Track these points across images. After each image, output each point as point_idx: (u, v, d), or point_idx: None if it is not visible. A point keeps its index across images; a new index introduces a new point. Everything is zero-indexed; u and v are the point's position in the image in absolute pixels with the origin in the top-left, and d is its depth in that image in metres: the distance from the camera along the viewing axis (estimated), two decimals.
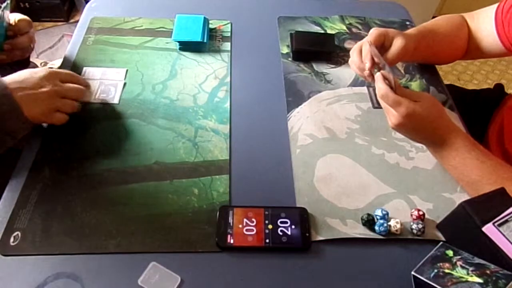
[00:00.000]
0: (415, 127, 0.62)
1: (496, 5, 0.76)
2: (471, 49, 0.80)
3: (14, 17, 0.70)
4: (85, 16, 0.93)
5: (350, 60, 0.76)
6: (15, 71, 0.62)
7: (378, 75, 0.63)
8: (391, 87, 0.61)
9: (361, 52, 0.72)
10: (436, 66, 0.87)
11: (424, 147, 0.69)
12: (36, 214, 0.59)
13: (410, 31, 0.76)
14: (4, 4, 0.67)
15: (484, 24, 0.77)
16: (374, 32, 0.71)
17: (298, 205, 0.62)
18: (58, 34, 2.06)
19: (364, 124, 0.74)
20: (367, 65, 0.69)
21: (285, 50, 0.88)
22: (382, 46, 0.71)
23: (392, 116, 0.61)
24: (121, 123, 0.72)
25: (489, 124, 0.84)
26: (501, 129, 0.79)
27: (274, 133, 0.72)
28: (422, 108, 0.60)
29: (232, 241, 0.57)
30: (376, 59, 0.67)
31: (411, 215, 0.61)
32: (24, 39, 0.71)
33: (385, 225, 0.58)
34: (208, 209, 0.61)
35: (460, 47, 0.81)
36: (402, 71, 0.85)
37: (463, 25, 0.80)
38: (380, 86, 0.62)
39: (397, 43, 0.71)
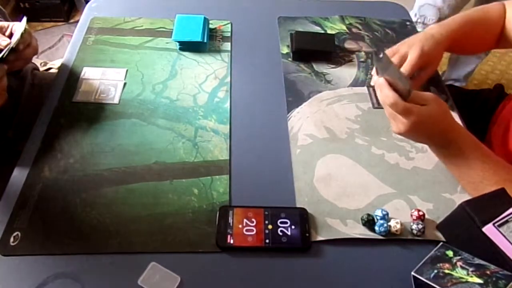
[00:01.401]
0: (423, 133, 0.60)
1: None
2: (505, 37, 0.78)
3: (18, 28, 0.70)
4: (85, 16, 0.93)
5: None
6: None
7: (381, 81, 0.59)
8: (399, 94, 0.57)
9: None
10: None
11: (425, 147, 0.68)
12: (36, 214, 0.59)
13: (442, 33, 0.74)
14: (25, 26, 0.67)
15: None
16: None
17: (298, 205, 0.62)
18: (58, 34, 2.06)
19: (364, 124, 0.74)
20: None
21: (285, 50, 0.88)
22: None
23: (400, 123, 0.58)
24: (121, 123, 0.72)
25: (490, 125, 0.84)
26: (506, 130, 0.78)
27: (274, 133, 0.72)
28: (431, 113, 0.58)
29: (232, 241, 0.57)
30: (379, 71, 0.63)
31: (411, 215, 0.60)
32: (29, 50, 0.70)
33: (385, 225, 0.58)
34: (208, 209, 0.61)
35: (494, 32, 0.78)
36: None
37: (500, 13, 0.78)
38: (388, 94, 0.57)
39: (412, 54, 0.70)
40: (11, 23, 0.70)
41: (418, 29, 0.96)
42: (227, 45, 0.88)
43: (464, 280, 0.48)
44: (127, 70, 0.81)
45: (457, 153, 0.61)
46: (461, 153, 0.60)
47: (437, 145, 0.63)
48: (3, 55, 0.63)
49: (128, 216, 0.60)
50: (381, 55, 0.61)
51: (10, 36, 0.69)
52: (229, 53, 0.86)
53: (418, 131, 0.59)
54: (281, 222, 0.59)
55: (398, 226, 0.58)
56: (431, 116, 0.58)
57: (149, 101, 0.76)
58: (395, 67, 0.58)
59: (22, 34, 0.66)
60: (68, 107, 0.74)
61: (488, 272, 0.48)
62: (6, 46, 0.65)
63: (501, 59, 2.07)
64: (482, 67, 2.11)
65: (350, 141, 0.71)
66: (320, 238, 0.58)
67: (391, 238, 0.59)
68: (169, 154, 0.68)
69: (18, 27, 0.68)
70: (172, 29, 0.86)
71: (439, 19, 1.36)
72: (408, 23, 0.96)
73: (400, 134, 0.60)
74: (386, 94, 0.58)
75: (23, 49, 0.69)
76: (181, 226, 0.59)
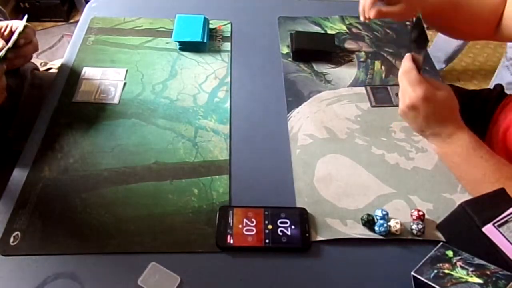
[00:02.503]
0: (427, 113, 0.60)
1: None
2: (504, 27, 0.74)
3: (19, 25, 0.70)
4: (85, 16, 0.93)
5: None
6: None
7: (407, 55, 0.63)
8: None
9: None
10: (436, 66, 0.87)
11: (425, 147, 0.68)
12: (36, 214, 0.59)
13: None
14: (26, 23, 0.67)
15: None
16: None
17: (298, 205, 0.62)
18: (58, 34, 2.06)
19: (364, 124, 0.74)
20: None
21: (285, 50, 0.88)
22: None
23: (408, 96, 0.59)
24: (121, 123, 0.72)
25: (491, 125, 0.84)
26: (506, 130, 0.77)
27: (274, 133, 0.72)
28: (441, 97, 0.58)
29: (232, 241, 0.57)
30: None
31: (411, 215, 0.60)
32: (30, 47, 0.70)
33: (385, 225, 0.58)
34: (208, 209, 0.61)
35: (490, 21, 0.75)
36: None
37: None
38: (407, 64, 0.61)
39: None
40: (10, 22, 0.69)
41: None
42: (227, 45, 0.88)
43: (464, 280, 0.48)
44: (127, 70, 0.81)
45: (458, 150, 0.61)
46: (463, 150, 0.60)
47: (437, 137, 0.62)
48: (1, 56, 0.63)
49: (128, 216, 0.60)
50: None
51: (9, 34, 0.69)
52: (229, 53, 0.86)
53: (422, 109, 0.59)
54: (281, 222, 0.59)
55: (398, 226, 0.58)
56: (440, 99, 0.58)
57: (149, 101, 0.76)
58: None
59: (22, 32, 0.66)
60: (68, 107, 0.74)
61: (488, 272, 0.48)
62: (1, 48, 0.64)
63: (501, 60, 2.06)
64: (482, 67, 2.11)
65: (350, 141, 0.71)
66: (320, 238, 0.58)
67: (391, 238, 0.59)
68: (169, 154, 0.68)
69: (18, 26, 0.68)
70: (172, 29, 0.86)
71: None
72: (408, 23, 0.96)
73: (405, 109, 0.61)
74: (405, 64, 0.61)
75: (24, 46, 0.68)
76: (181, 226, 0.59)
